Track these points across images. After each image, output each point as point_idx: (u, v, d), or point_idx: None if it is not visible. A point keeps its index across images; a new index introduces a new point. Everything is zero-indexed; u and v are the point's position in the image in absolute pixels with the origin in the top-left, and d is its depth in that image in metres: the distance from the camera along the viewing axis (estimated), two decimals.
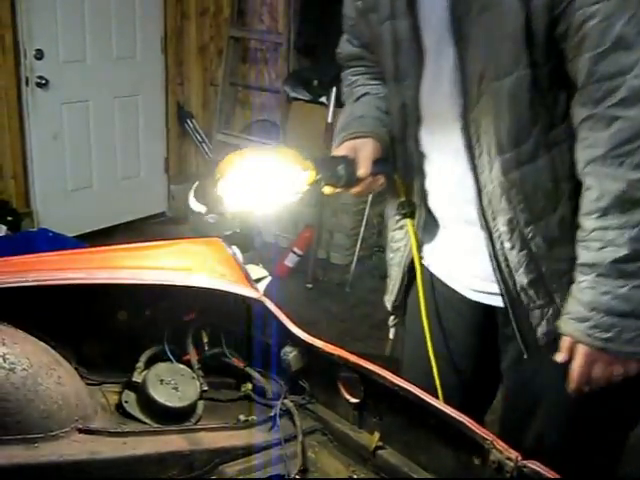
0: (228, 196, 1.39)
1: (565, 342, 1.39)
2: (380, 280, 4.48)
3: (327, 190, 1.50)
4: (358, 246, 4.38)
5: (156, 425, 1.40)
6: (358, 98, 1.69)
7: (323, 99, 4.32)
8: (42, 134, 4.58)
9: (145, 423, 1.40)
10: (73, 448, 1.26)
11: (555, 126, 1.40)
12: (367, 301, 4.14)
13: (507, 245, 1.46)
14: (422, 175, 1.59)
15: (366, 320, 3.93)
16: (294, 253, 4.46)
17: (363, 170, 1.47)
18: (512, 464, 1.11)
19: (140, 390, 1.43)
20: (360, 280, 4.36)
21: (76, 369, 1.44)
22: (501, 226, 1.45)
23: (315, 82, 4.29)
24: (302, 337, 1.48)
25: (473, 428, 1.17)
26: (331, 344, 1.44)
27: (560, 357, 1.40)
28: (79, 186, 4.90)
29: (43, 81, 4.47)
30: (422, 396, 1.25)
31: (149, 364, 1.49)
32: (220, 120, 5.29)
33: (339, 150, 1.53)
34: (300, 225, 4.48)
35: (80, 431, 1.29)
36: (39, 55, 4.42)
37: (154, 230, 5.17)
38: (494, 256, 1.48)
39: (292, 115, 4.63)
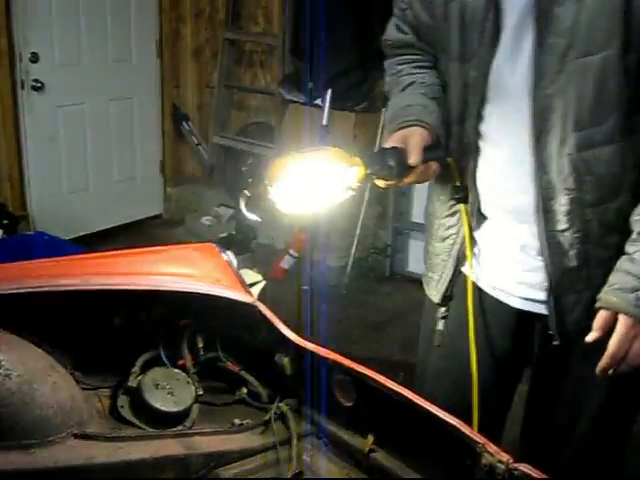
0: (281, 201, 1.39)
1: (601, 317, 1.41)
2: (376, 282, 4.51)
3: (381, 183, 1.49)
4: (354, 248, 4.39)
5: (151, 430, 1.41)
6: (404, 88, 1.68)
7: (318, 101, 4.31)
8: (38, 137, 4.58)
9: (141, 428, 1.41)
10: (69, 453, 1.27)
11: (635, 114, 1.42)
12: (363, 303, 4.15)
13: (563, 226, 1.48)
14: (477, 156, 1.59)
15: (362, 322, 3.95)
16: (290, 255, 4.47)
17: (414, 158, 1.45)
18: (503, 467, 1.12)
19: (136, 395, 1.44)
20: (356, 282, 4.37)
21: (72, 374, 1.46)
22: (560, 206, 1.47)
23: (310, 84, 4.30)
24: (296, 341, 1.48)
25: (465, 431, 1.18)
26: (325, 347, 1.45)
27: (592, 336, 1.42)
28: (75, 189, 4.90)
29: (38, 84, 4.46)
30: (415, 399, 1.26)
31: (145, 369, 1.50)
32: (216, 123, 5.30)
33: (388, 142, 1.51)
34: (296, 227, 4.49)
35: (76, 436, 1.31)
36: (34, 58, 4.42)
37: (150, 233, 5.17)
38: (545, 238, 1.49)
39: (288, 117, 4.64)
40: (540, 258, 1.53)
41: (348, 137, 4.35)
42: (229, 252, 1.68)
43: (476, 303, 1.65)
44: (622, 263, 1.41)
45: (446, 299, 1.72)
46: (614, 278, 1.41)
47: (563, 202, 1.46)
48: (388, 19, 1.75)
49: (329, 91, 4.13)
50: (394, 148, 1.46)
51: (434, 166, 1.52)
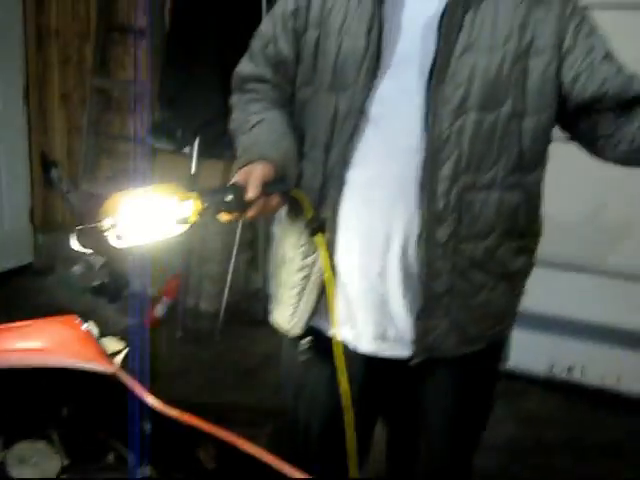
0: (114, 235, 1.40)
1: None
2: (249, 326, 4.55)
3: (223, 217, 1.51)
4: (226, 293, 4.44)
5: None
6: (253, 126, 1.71)
7: (187, 149, 4.35)
8: None
9: None
10: None
11: (518, 170, 1.59)
12: (236, 348, 4.18)
13: (439, 253, 1.59)
14: (342, 186, 1.64)
15: (236, 367, 3.98)
16: (163, 302, 4.48)
17: (251, 193, 1.48)
18: None
19: (1, 471, 1.46)
20: (229, 327, 4.40)
21: None
22: (439, 238, 1.58)
23: (179, 132, 4.33)
24: (158, 409, 1.53)
25: None
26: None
27: None
28: None
29: None
30: (274, 464, 1.33)
31: (8, 444, 1.51)
32: (85, 169, 5.25)
33: (233, 179, 1.55)
34: (168, 273, 4.51)
35: None
36: None
37: (20, 283, 5.06)
38: (426, 263, 1.59)
39: (157, 165, 4.65)
40: (402, 286, 1.64)
41: (216, 184, 4.41)
42: (90, 322, 1.72)
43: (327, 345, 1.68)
44: None
45: (306, 333, 1.76)
46: None
47: (442, 234, 1.58)
48: None
49: (197, 139, 4.18)
50: (234, 184, 1.51)
51: (276, 199, 1.55)
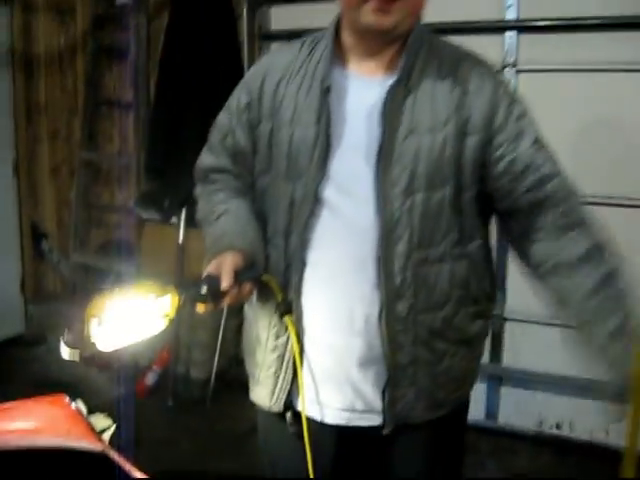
0: (100, 337, 1.44)
1: None
2: (240, 392, 4.52)
3: (200, 308, 1.57)
4: (216, 360, 4.46)
5: None
6: (219, 216, 1.78)
7: (174, 220, 4.43)
8: None
9: None
10: None
11: (462, 242, 1.68)
12: (228, 414, 4.19)
13: (400, 328, 1.66)
14: (303, 270, 1.71)
15: (227, 435, 3.97)
16: (153, 371, 4.51)
17: (225, 283, 1.55)
18: None
19: None
20: (220, 394, 4.42)
21: None
22: (399, 312, 1.65)
23: (166, 203, 4.40)
24: None
25: None
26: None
27: None
28: None
29: None
30: None
31: None
32: (75, 240, 5.32)
33: (205, 270, 1.62)
34: (158, 342, 4.54)
35: None
36: None
37: (11, 354, 5.07)
38: (387, 338, 1.65)
39: (145, 235, 4.73)
40: (367, 360, 1.70)
41: (203, 254, 4.45)
42: (79, 400, 1.77)
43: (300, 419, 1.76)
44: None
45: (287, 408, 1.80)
46: None
47: (401, 309, 1.65)
48: None
49: (184, 210, 4.24)
50: (207, 275, 1.58)
51: (248, 286, 1.63)
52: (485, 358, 3.73)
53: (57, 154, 5.54)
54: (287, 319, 1.70)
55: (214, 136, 1.87)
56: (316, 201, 1.67)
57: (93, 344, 1.44)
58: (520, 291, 3.55)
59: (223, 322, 4.45)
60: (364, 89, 1.68)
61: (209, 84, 4.20)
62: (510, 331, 3.82)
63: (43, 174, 5.53)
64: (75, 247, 5.33)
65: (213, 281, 1.57)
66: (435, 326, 1.69)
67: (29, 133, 5.43)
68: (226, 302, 1.59)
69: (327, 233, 1.69)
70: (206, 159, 1.89)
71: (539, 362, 3.77)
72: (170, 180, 4.51)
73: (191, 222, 4.21)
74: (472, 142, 1.63)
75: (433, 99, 1.62)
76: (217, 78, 4.10)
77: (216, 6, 4.26)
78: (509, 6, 3.52)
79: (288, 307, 1.71)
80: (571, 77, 3.47)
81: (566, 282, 1.63)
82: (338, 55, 1.71)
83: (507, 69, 3.53)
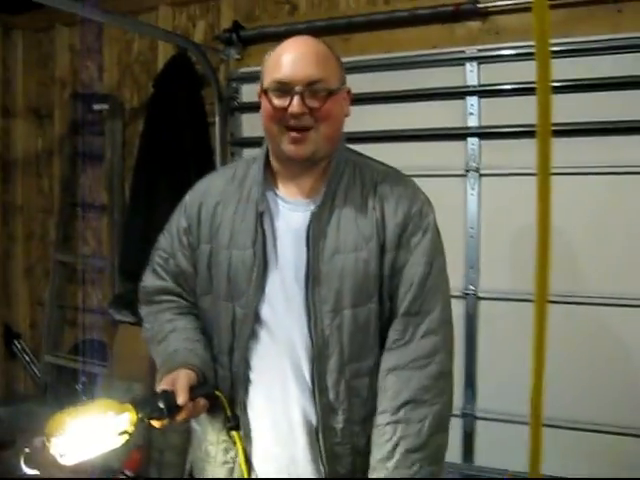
0: (61, 454, 1.48)
1: None
2: None
3: (156, 424, 1.62)
4: (188, 463, 4.42)
5: None
6: (167, 335, 1.85)
7: None
8: None
9: None
10: None
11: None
12: None
13: (338, 440, 1.75)
14: (248, 385, 1.79)
15: None
16: (125, 475, 4.46)
17: (181, 398, 1.62)
18: None
19: None
20: None
21: None
22: (337, 424, 1.74)
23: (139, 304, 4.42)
24: None
25: None
26: None
27: None
28: None
29: None
30: None
31: None
32: (48, 341, 5.32)
33: (159, 386, 1.68)
34: (130, 445, 4.50)
35: None
36: None
37: None
38: (325, 451, 1.73)
39: (119, 336, 4.73)
40: (311, 470, 1.78)
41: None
42: None
43: None
44: None
45: None
46: None
47: (337, 422, 1.74)
48: None
49: None
50: (164, 391, 1.64)
51: (202, 402, 1.70)
52: (457, 457, 3.76)
53: (31, 255, 5.61)
54: (235, 435, 1.77)
55: (156, 258, 1.97)
56: (256, 320, 1.76)
57: (53, 460, 1.48)
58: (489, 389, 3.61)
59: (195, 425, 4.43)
60: (292, 212, 1.80)
61: (182, 189, 4.27)
62: (482, 430, 3.83)
63: (17, 274, 5.58)
64: (48, 347, 5.32)
65: (169, 397, 1.63)
66: (371, 434, 1.74)
67: (4, 233, 5.50)
68: (181, 417, 1.64)
69: (266, 351, 1.78)
70: (150, 281, 1.98)
71: (510, 461, 3.78)
72: None
73: None
74: (388, 259, 1.74)
75: (356, 220, 1.74)
76: (190, 183, 4.17)
77: (190, 113, 4.39)
78: (471, 114, 3.67)
79: (236, 422, 1.77)
80: (531, 180, 3.60)
81: None
82: (268, 179, 1.83)
83: (470, 173, 3.65)
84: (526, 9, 3.50)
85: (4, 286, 5.51)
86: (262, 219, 1.77)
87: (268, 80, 1.74)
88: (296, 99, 1.68)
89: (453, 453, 3.70)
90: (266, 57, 1.80)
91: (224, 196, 1.86)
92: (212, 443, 1.87)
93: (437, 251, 1.79)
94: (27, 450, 1.56)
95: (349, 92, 1.83)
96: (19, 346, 5.49)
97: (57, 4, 3.44)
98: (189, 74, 4.44)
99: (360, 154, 1.89)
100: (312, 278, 1.71)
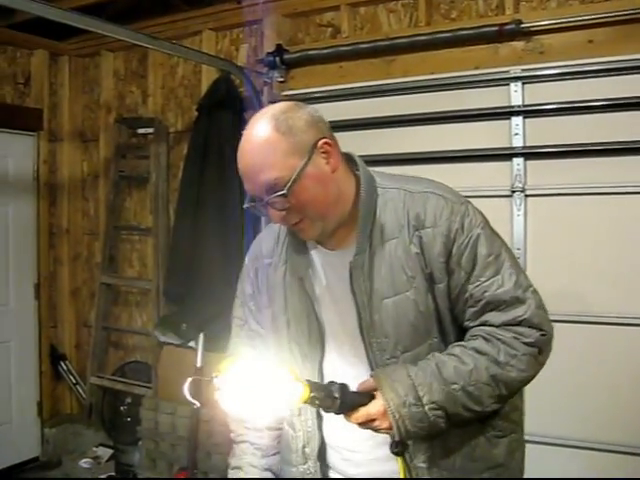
0: (223, 396, 1.47)
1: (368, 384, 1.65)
2: None
3: (323, 410, 1.61)
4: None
5: None
6: None
7: (192, 343, 4.46)
8: None
9: None
10: None
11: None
12: None
13: None
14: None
15: None
16: None
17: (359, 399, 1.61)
18: None
19: None
20: None
21: None
22: None
23: (184, 326, 4.45)
24: None
25: None
26: None
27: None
28: None
29: None
30: None
31: None
32: (93, 362, 5.37)
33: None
34: (175, 467, 4.51)
35: None
36: None
37: (25, 477, 5.04)
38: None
39: (163, 358, 4.77)
40: None
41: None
42: None
43: None
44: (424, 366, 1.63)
45: None
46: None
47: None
48: None
49: (202, 334, 4.29)
50: (342, 384, 1.59)
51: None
52: None
53: (77, 277, 5.69)
54: (399, 460, 1.70)
55: (235, 327, 1.98)
56: (321, 378, 1.76)
57: (213, 399, 1.47)
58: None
59: None
60: (332, 265, 1.77)
61: (228, 212, 4.32)
62: None
63: (63, 296, 5.67)
64: (93, 369, 5.37)
65: (345, 389, 1.58)
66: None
67: (51, 256, 5.58)
68: (349, 416, 1.60)
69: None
70: (235, 349, 1.96)
71: None
72: (189, 305, 4.60)
73: (209, 345, 4.26)
74: (440, 290, 1.68)
75: (396, 260, 1.69)
76: (236, 206, 4.21)
77: (235, 136, 4.41)
78: (516, 134, 3.64)
79: (403, 449, 1.68)
80: (577, 200, 3.55)
81: None
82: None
83: (516, 194, 3.62)
84: (570, 28, 3.49)
85: (50, 308, 5.58)
86: (305, 283, 1.77)
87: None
88: (271, 211, 1.65)
89: None
90: None
91: (274, 257, 1.87)
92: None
93: (496, 254, 1.70)
94: (191, 378, 1.54)
95: (325, 143, 1.66)
96: (65, 367, 5.55)
97: (103, 30, 3.49)
98: (233, 97, 4.49)
99: (385, 175, 1.82)
100: (365, 328, 1.69)
